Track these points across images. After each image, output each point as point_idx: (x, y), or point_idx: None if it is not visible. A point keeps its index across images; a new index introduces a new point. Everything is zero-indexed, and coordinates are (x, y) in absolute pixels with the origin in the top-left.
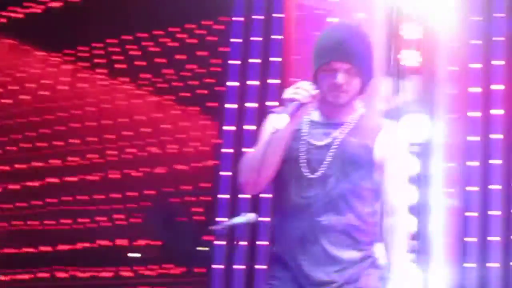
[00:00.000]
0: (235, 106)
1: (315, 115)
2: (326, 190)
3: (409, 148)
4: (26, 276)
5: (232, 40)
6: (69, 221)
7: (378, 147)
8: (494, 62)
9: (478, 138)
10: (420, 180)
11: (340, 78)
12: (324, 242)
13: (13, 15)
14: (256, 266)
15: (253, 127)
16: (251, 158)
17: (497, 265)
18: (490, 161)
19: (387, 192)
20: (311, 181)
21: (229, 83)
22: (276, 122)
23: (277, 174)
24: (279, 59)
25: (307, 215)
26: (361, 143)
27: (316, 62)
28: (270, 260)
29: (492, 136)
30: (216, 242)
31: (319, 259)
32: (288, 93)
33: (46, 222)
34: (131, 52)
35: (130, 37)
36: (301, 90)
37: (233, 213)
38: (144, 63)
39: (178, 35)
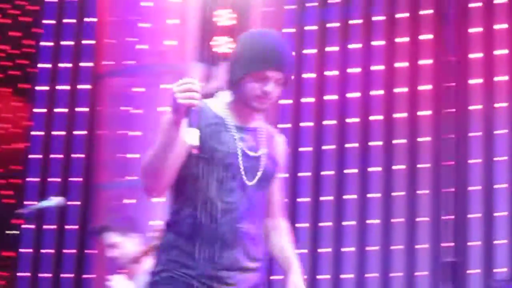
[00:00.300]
0: (46, 88)
1: (229, 117)
2: (248, 198)
3: None
4: None
5: (44, 21)
6: None
7: (280, 162)
8: (305, 51)
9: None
10: None
11: (271, 87)
12: (239, 248)
13: None
14: (64, 251)
15: (65, 110)
16: (153, 163)
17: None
18: None
19: (278, 207)
20: (234, 186)
21: (40, 65)
22: (189, 139)
23: (193, 173)
24: (93, 42)
25: (228, 219)
26: (273, 157)
27: (246, 68)
28: (162, 250)
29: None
30: (24, 226)
31: (231, 263)
32: (180, 96)
33: None
34: None
35: None
36: (194, 94)
37: (42, 197)
38: None
39: None
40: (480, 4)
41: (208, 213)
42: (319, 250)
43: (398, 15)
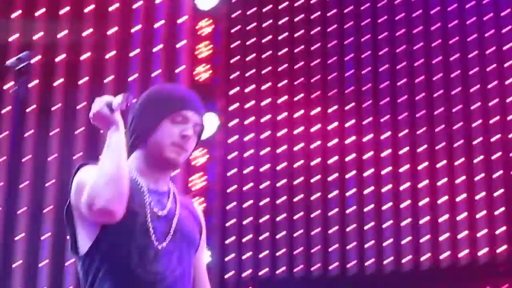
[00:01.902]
0: None
1: (140, 180)
2: (172, 267)
3: None
4: None
5: None
6: None
7: (202, 221)
8: None
9: None
10: None
11: (191, 131)
12: None
13: None
14: None
15: None
16: (112, 172)
17: None
18: None
19: (204, 278)
20: (157, 253)
21: None
22: (113, 103)
23: (105, 237)
24: None
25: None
26: (192, 218)
27: (163, 111)
28: None
29: None
30: None
31: None
32: (95, 107)
33: None
34: None
35: None
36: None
37: None
38: None
39: None
40: None
41: (127, 285)
42: None
43: None
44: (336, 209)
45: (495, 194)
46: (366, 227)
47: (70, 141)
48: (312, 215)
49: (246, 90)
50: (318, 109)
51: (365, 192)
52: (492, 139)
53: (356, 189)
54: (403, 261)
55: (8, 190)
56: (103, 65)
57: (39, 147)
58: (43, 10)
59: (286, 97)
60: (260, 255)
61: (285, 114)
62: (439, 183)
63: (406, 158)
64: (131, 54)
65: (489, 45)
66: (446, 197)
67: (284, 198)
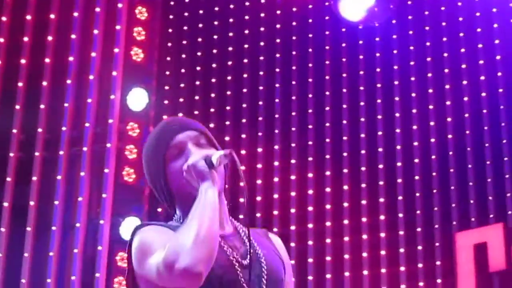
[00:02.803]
0: None
1: None
2: None
3: None
4: None
5: None
6: None
7: (284, 257)
8: None
9: None
10: None
11: (193, 148)
12: None
13: None
14: None
15: None
16: (201, 232)
17: None
18: None
19: None
20: None
21: None
22: (214, 159)
23: None
24: None
25: None
26: (277, 253)
27: (158, 153)
28: None
29: None
30: None
31: None
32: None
33: None
34: None
35: None
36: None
37: None
38: None
39: None
40: None
41: None
42: None
43: None
44: None
45: None
46: None
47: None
48: None
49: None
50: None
51: None
52: None
53: None
54: None
55: None
56: (43, 48)
57: None
58: None
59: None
60: None
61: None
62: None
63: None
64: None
65: None
66: None
67: None
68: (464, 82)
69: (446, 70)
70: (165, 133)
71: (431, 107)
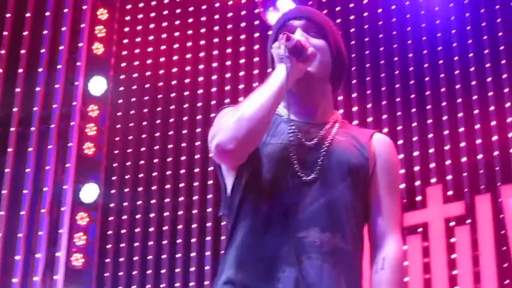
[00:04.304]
0: None
1: (293, 114)
2: (311, 198)
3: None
4: None
5: None
6: None
7: (376, 150)
8: None
9: None
10: None
11: (298, 33)
12: (305, 266)
13: None
14: None
15: None
16: (246, 111)
17: None
18: None
19: (382, 223)
20: (297, 185)
21: None
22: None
23: (246, 176)
24: None
25: (285, 229)
26: (355, 143)
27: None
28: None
29: None
30: None
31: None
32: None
33: None
34: None
35: None
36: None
37: None
38: None
39: None
40: None
41: (260, 223)
42: None
43: None
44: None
45: None
46: None
47: None
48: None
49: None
50: None
51: None
52: None
53: None
54: None
55: None
56: (19, 41)
57: None
58: None
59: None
60: None
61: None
62: None
63: None
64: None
65: None
66: None
67: None
68: None
69: None
70: (284, 16)
71: None
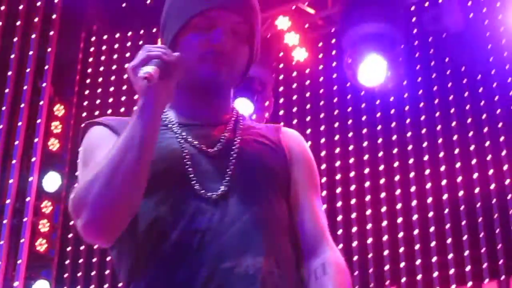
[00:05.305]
0: None
1: (173, 117)
2: (231, 216)
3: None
4: None
5: None
6: None
7: (289, 147)
8: None
9: None
10: None
11: (225, 35)
12: None
13: None
14: None
15: None
16: (115, 162)
17: None
18: None
19: (311, 228)
20: (206, 204)
21: None
22: (146, 72)
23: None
24: None
25: (204, 258)
26: (266, 141)
27: (181, 17)
28: None
29: None
30: None
31: None
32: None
33: None
34: None
35: None
36: (160, 49)
37: None
38: None
39: None
40: None
41: (167, 259)
42: None
43: None
44: None
45: None
46: None
47: None
48: None
49: None
50: None
51: None
52: None
53: None
54: None
55: None
56: None
57: None
58: None
59: None
60: None
61: None
62: None
63: None
64: None
65: None
66: None
67: None
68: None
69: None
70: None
71: None
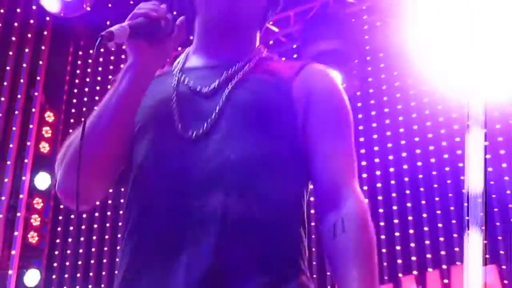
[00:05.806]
0: None
1: (193, 61)
2: (208, 155)
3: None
4: None
5: None
6: None
7: (309, 84)
8: None
9: None
10: None
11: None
12: (207, 245)
13: None
14: None
15: None
16: (96, 129)
17: None
18: None
19: (330, 174)
20: (186, 144)
21: None
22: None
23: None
24: None
25: (179, 198)
26: (272, 79)
27: None
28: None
29: None
30: None
31: (198, 276)
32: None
33: None
34: None
35: None
36: (148, 4)
37: None
38: None
39: None
40: None
41: (148, 200)
42: None
43: None
44: None
45: None
46: None
47: None
48: None
49: None
50: None
51: None
52: None
53: None
54: None
55: None
56: None
57: None
58: None
59: None
60: None
61: None
62: None
63: None
64: None
65: None
66: None
67: None
68: None
69: None
70: None
71: None
